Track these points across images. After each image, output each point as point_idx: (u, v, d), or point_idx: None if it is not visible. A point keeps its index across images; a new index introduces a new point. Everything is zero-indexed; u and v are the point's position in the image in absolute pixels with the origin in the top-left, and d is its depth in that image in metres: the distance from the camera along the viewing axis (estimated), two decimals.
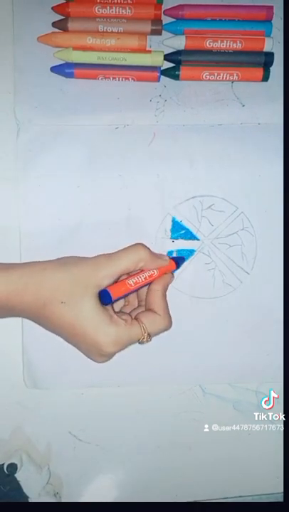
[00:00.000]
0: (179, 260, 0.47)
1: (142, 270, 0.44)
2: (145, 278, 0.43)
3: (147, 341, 0.42)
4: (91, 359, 0.43)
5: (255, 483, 0.52)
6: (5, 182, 0.49)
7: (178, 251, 0.50)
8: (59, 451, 0.51)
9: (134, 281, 0.43)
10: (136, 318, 0.43)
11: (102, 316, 0.40)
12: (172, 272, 0.46)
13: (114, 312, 0.42)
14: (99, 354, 0.41)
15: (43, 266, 0.41)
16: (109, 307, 0.42)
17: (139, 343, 0.42)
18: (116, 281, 0.43)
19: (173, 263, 0.45)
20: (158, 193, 0.50)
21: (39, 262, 0.42)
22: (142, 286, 0.44)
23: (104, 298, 0.41)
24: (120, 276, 0.43)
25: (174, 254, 0.50)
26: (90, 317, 0.40)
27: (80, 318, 0.40)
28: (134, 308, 0.46)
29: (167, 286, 0.45)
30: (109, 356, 0.42)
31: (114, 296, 0.41)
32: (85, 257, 0.43)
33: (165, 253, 0.50)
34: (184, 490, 0.52)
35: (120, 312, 0.45)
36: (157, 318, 0.43)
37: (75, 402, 0.51)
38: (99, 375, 0.50)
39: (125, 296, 0.44)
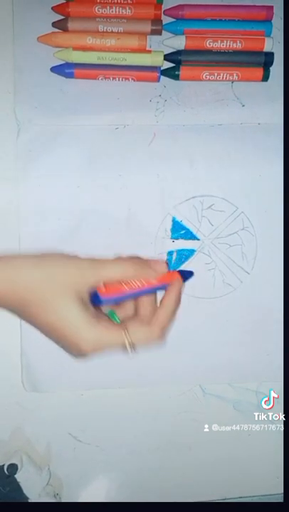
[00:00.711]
0: (185, 274, 0.41)
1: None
2: (141, 283, 0.40)
3: (132, 350, 0.39)
4: (73, 355, 0.40)
5: (255, 483, 0.52)
6: (5, 182, 0.49)
7: (178, 251, 0.50)
8: (59, 452, 0.51)
9: (129, 284, 0.40)
10: (121, 324, 0.40)
11: (82, 320, 0.38)
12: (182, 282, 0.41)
13: (102, 315, 0.41)
14: (78, 354, 0.39)
15: (21, 263, 0.39)
16: (93, 309, 0.39)
17: (125, 351, 0.39)
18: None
19: (175, 275, 0.41)
20: (158, 193, 0.50)
21: (17, 256, 0.39)
22: (139, 292, 0.40)
23: (94, 298, 0.39)
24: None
25: (174, 254, 0.50)
26: (70, 320, 0.38)
27: (60, 319, 0.38)
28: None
29: (177, 299, 0.41)
30: (89, 357, 0.40)
31: (103, 296, 0.39)
32: (68, 257, 0.40)
33: (165, 253, 0.50)
34: (184, 490, 0.52)
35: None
36: (144, 329, 0.39)
37: (74, 403, 0.51)
38: (99, 377, 0.50)
39: (119, 300, 0.41)
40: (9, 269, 0.39)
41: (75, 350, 0.39)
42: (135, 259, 0.40)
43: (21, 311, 0.39)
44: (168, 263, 0.44)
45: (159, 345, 0.40)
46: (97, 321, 0.39)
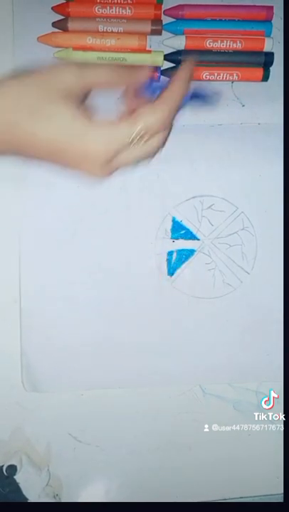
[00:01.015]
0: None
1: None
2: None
3: (141, 139, 0.36)
4: (87, 177, 0.37)
5: (255, 483, 0.52)
6: (5, 182, 0.49)
7: (178, 251, 0.50)
8: (59, 452, 0.51)
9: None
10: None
11: (82, 121, 0.35)
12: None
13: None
14: (93, 166, 0.36)
15: None
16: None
17: (133, 141, 0.36)
18: None
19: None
20: (158, 193, 0.50)
21: None
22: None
23: None
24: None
25: (174, 254, 0.50)
26: (68, 126, 0.35)
27: (58, 130, 0.35)
28: None
29: (186, 79, 0.37)
30: (106, 166, 0.36)
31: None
32: (41, 68, 0.37)
33: (165, 254, 0.50)
34: (184, 490, 0.52)
35: None
36: (151, 109, 0.36)
37: (74, 403, 0.51)
38: (99, 377, 0.50)
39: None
40: None
41: (85, 163, 0.36)
42: (119, 65, 0.39)
43: (13, 141, 0.35)
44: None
45: (164, 137, 0.38)
46: (96, 117, 0.36)
